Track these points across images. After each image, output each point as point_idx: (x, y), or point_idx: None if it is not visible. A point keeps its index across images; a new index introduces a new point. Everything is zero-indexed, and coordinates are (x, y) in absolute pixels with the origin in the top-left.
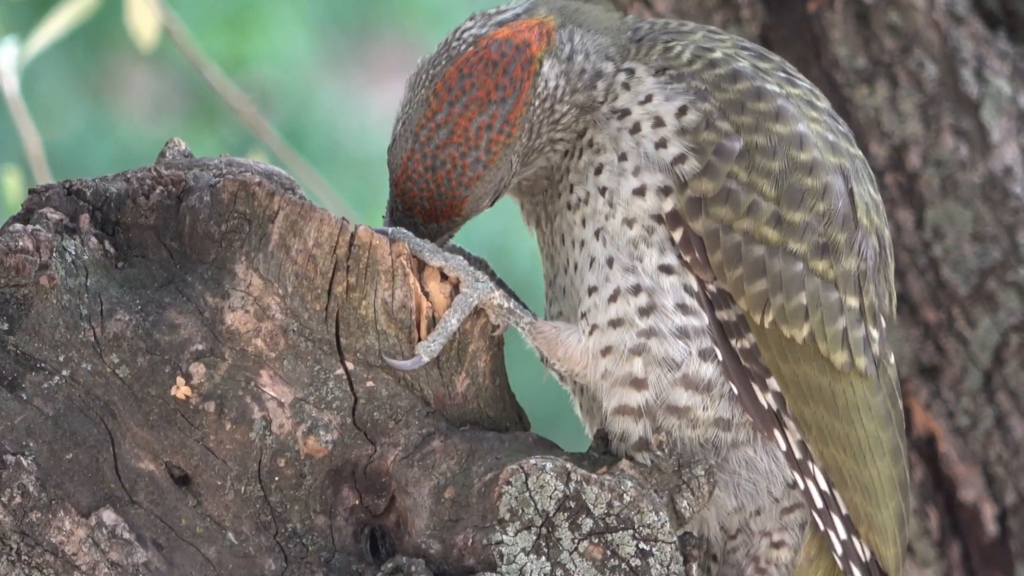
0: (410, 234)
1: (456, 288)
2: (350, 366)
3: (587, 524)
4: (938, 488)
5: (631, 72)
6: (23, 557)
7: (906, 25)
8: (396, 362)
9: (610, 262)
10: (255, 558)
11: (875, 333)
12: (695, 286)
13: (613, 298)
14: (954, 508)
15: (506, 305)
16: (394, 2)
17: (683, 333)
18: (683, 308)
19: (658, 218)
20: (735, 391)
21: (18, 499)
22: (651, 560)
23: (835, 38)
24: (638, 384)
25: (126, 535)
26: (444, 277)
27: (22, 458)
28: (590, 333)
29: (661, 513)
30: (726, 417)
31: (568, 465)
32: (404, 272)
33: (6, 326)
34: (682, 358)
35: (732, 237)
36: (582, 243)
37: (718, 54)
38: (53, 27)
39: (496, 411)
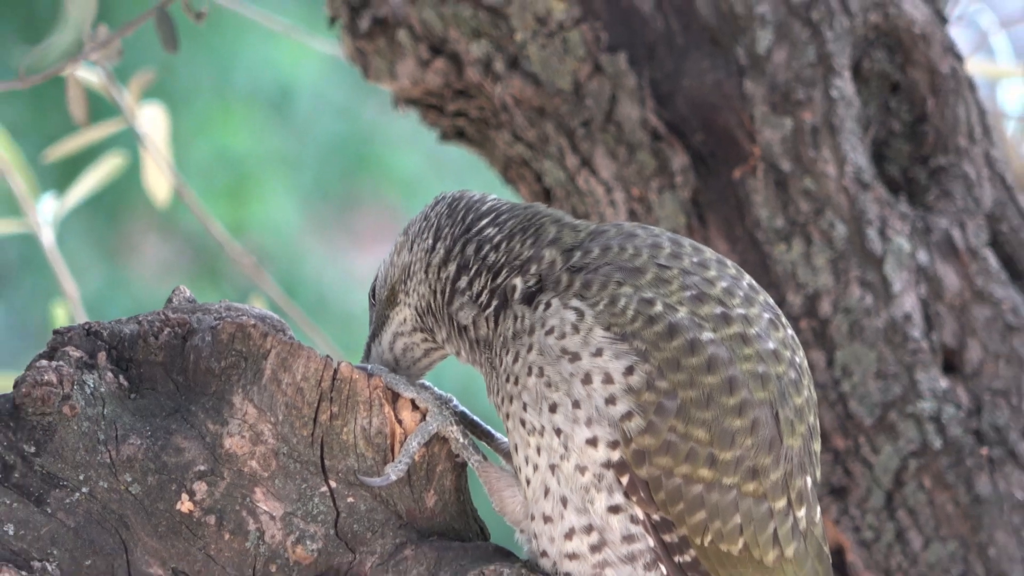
0: (385, 369)
1: (423, 416)
2: (333, 484)
3: None
4: None
5: (579, 314)
6: None
7: (819, 190)
8: (369, 480)
9: (564, 501)
10: None
11: (801, 512)
12: (640, 515)
13: (568, 536)
14: None
15: (461, 440)
16: (373, 175)
17: (630, 557)
18: (629, 538)
19: (607, 464)
20: None
21: None
22: None
23: (757, 201)
24: None
25: None
26: (415, 407)
27: (47, 564)
28: (543, 555)
29: None
30: None
31: (523, 571)
32: (380, 403)
33: (33, 449)
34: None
35: (673, 481)
36: (536, 466)
37: (658, 307)
38: (83, 186)
39: (460, 524)
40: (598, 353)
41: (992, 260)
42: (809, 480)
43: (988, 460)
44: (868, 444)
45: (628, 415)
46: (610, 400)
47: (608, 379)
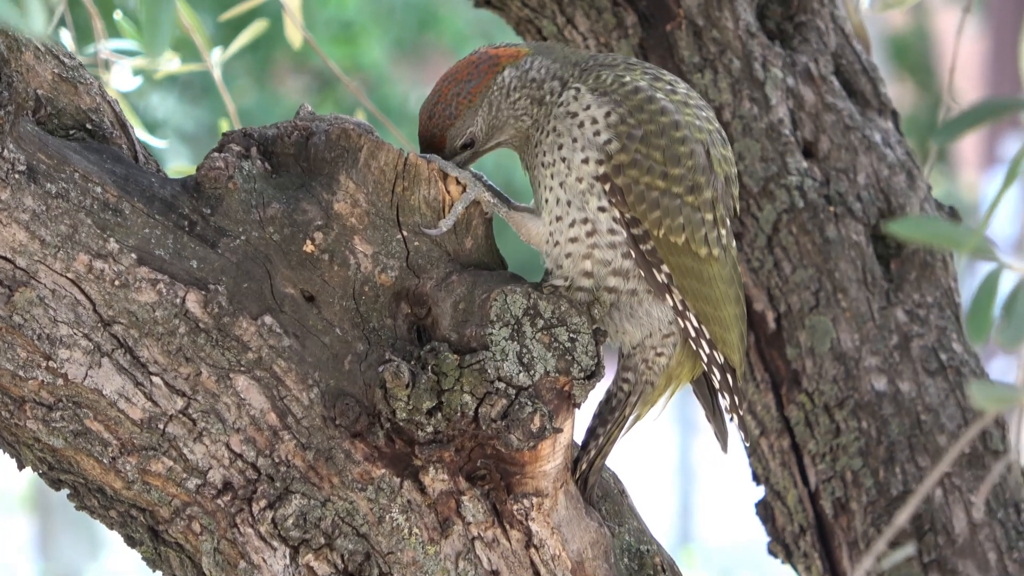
0: (439, 158)
1: (464, 188)
2: (405, 233)
3: (539, 323)
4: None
5: (577, 90)
6: (219, 342)
7: (722, 38)
8: (429, 231)
9: (568, 203)
10: (351, 343)
11: (723, 231)
12: (618, 215)
13: (572, 225)
14: (751, 314)
15: (491, 200)
16: (437, 30)
17: (612, 245)
18: (612, 231)
19: (595, 177)
20: (642, 274)
21: (216, 309)
22: (576, 343)
23: (681, 45)
24: (587, 275)
25: (278, 329)
26: (459, 183)
27: (218, 286)
28: (556, 244)
29: (582, 317)
30: (637, 289)
31: (530, 289)
32: (435, 180)
33: (208, 210)
34: (612, 258)
35: (639, 187)
36: (550, 188)
37: (627, 79)
38: (242, 39)
39: (488, 259)
40: (587, 107)
41: (836, 83)
42: (728, 219)
43: (834, 215)
44: (755, 204)
45: (608, 141)
46: (596, 133)
47: (594, 120)
